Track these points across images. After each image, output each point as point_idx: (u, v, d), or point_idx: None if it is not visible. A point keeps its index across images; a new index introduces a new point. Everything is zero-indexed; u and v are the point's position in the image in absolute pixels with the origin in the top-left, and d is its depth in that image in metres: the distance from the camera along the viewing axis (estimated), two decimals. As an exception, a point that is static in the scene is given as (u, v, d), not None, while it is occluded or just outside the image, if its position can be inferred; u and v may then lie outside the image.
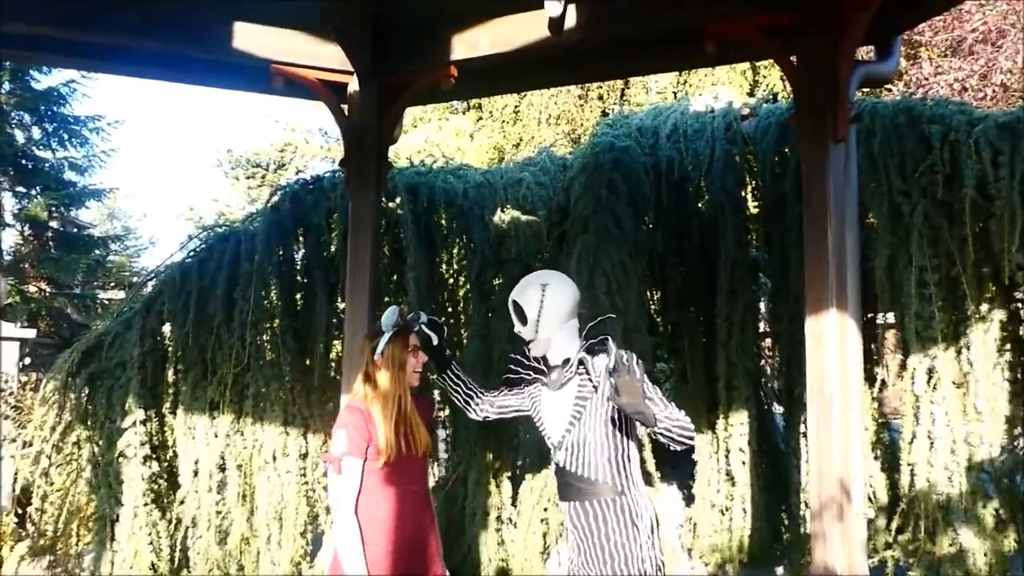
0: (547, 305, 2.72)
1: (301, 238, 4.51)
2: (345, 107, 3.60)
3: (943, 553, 3.10)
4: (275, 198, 4.51)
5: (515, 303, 2.79)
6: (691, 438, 2.59)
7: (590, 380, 2.68)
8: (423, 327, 2.95)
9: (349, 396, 2.95)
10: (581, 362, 2.71)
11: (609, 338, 2.68)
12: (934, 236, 3.25)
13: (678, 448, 2.61)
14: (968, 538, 3.05)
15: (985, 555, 3.02)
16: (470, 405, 3.03)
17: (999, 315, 3.11)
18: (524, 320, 2.75)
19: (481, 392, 3.03)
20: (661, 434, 2.56)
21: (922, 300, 3.16)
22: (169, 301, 4.18)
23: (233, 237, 4.30)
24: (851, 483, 2.62)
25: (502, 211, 4.54)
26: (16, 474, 4.58)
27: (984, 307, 3.11)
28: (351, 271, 3.40)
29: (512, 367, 2.95)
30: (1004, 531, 3.04)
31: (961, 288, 3.11)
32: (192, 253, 4.32)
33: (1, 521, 5.03)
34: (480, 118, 14.99)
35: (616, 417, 2.67)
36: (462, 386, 3.06)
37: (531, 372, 2.88)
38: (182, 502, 4.12)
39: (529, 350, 2.83)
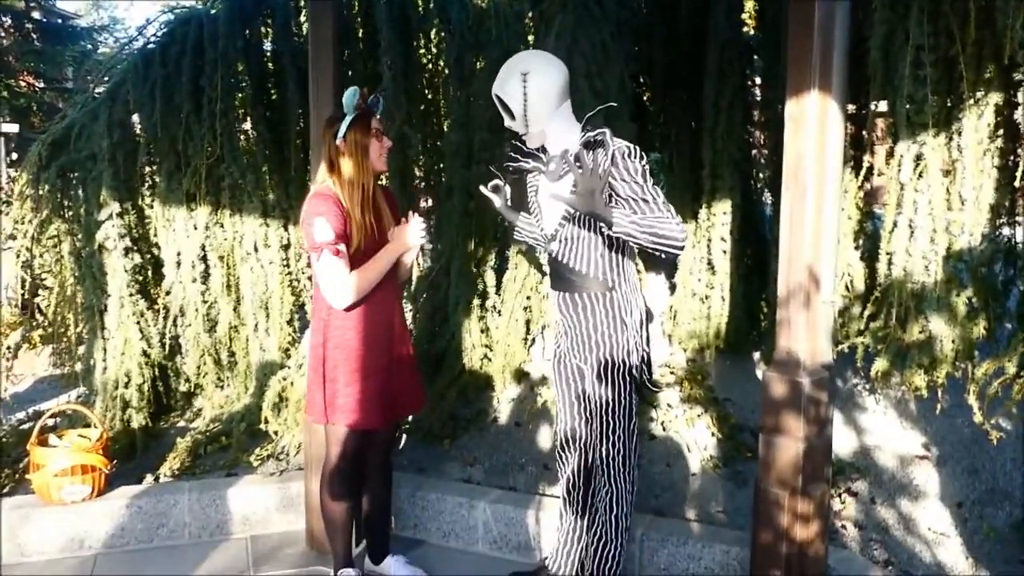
0: (532, 94, 2.53)
1: (268, 20, 4.26)
2: None
3: (912, 340, 3.12)
4: (236, -25, 4.21)
5: (498, 98, 2.62)
6: (673, 247, 2.47)
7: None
8: (488, 192, 2.81)
9: (314, 185, 2.88)
10: (578, 158, 2.53)
11: (608, 131, 2.53)
12: (935, 11, 3.00)
13: (662, 256, 2.54)
14: (938, 325, 3.05)
15: (953, 342, 3.03)
16: (540, 244, 2.88)
17: (994, 98, 2.93)
18: (512, 114, 2.60)
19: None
20: (631, 240, 2.48)
21: (916, 82, 2.97)
22: (134, 90, 4.00)
23: (195, 20, 4.05)
24: (820, 271, 2.58)
25: (481, -12, 4.26)
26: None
27: (980, 91, 2.93)
28: (313, 54, 3.21)
29: (511, 155, 2.83)
30: (975, 319, 3.03)
31: (958, 69, 2.91)
32: (154, 38, 4.10)
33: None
34: None
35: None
36: (534, 229, 2.89)
37: (530, 160, 2.76)
38: (168, 292, 4.18)
39: (525, 142, 2.69)
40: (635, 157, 2.51)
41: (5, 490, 3.54)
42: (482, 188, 2.86)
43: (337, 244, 2.66)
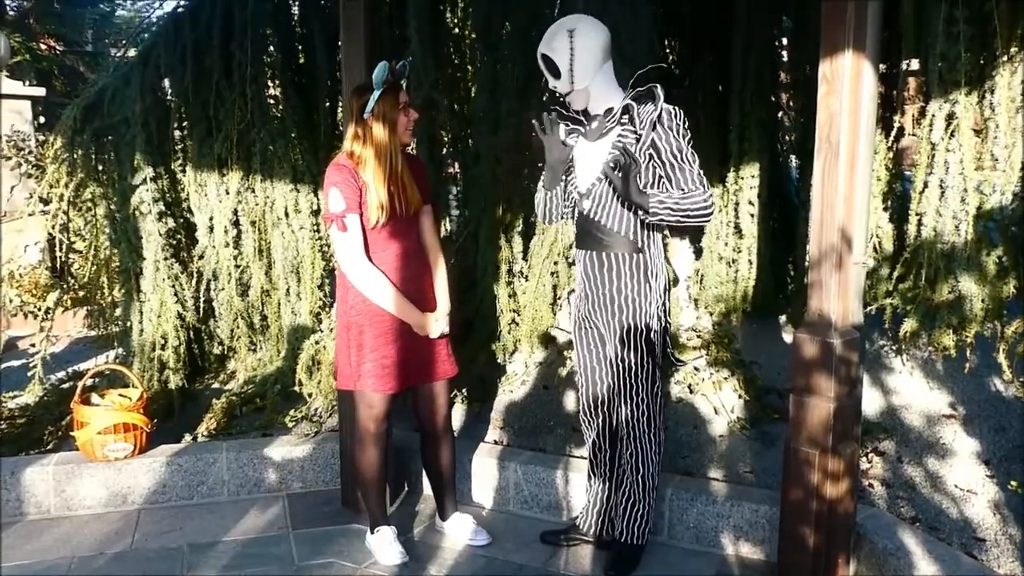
0: (578, 50, 2.58)
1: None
2: None
3: (941, 299, 3.13)
4: (265, -62, 4.22)
5: (544, 56, 2.64)
6: (701, 221, 2.59)
7: (633, 130, 2.60)
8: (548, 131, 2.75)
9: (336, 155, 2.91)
10: (626, 110, 2.61)
11: (658, 86, 2.57)
12: (970, -34, 2.98)
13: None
14: (968, 285, 3.06)
15: (983, 301, 3.04)
16: (555, 216, 2.92)
17: (1030, 55, 2.92)
18: (556, 73, 2.62)
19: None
20: (663, 224, 2.60)
21: (949, 39, 2.95)
22: (165, 54, 4.03)
23: (224, -17, 4.07)
24: (852, 232, 2.59)
25: (509, -50, 4.23)
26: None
27: (1014, 48, 2.91)
28: (344, 19, 3.22)
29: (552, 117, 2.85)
30: (1005, 278, 3.04)
31: (992, 25, 2.89)
32: (183, 2, 4.12)
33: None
34: None
35: (652, 174, 2.64)
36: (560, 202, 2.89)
37: (570, 123, 2.79)
38: (201, 256, 4.24)
39: (569, 104, 2.72)
40: (680, 118, 2.57)
41: (49, 446, 3.65)
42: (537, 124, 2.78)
43: (346, 216, 2.73)
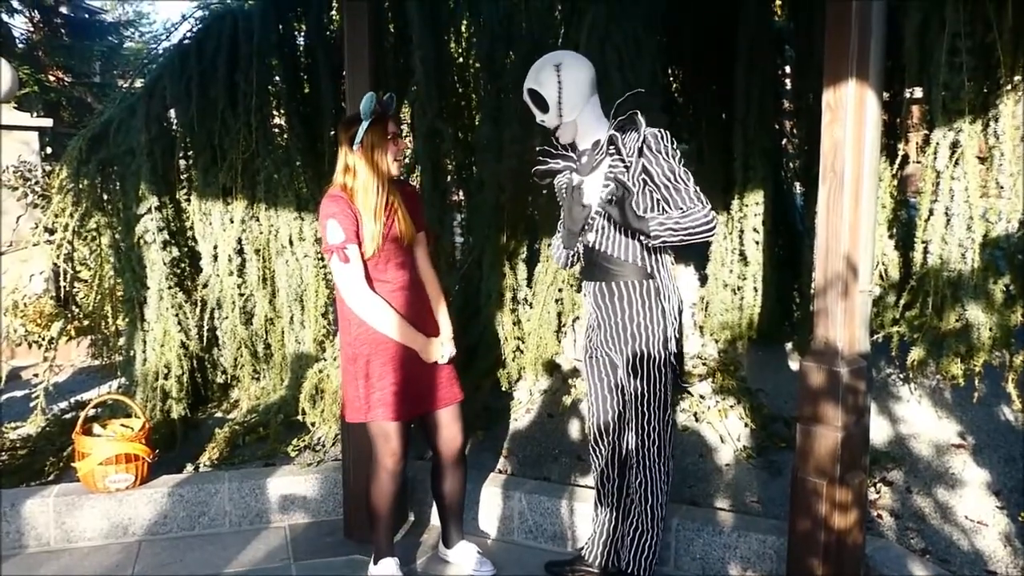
0: (566, 83, 2.60)
1: (302, 16, 4.31)
2: None
3: (948, 328, 3.11)
4: (271, -29, 4.26)
5: (532, 91, 2.66)
6: (705, 237, 2.58)
7: (621, 160, 2.61)
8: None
9: (329, 188, 2.91)
10: (611, 140, 2.63)
11: (637, 113, 2.58)
12: (971, -4, 2.99)
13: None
14: (975, 313, 3.04)
15: (990, 329, 3.02)
16: (575, 262, 2.93)
17: (1033, 84, 2.92)
18: (544, 107, 2.65)
19: None
20: (669, 244, 2.58)
21: (952, 69, 2.96)
22: (170, 85, 4.06)
23: (230, 15, 4.10)
24: (858, 260, 2.58)
25: (511, -18, 4.27)
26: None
27: (1017, 77, 2.91)
28: (349, 50, 3.24)
29: (540, 158, 2.87)
30: (1012, 306, 3.02)
31: (995, 55, 2.89)
32: (189, 34, 4.15)
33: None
34: None
35: (650, 199, 2.64)
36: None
37: (560, 161, 2.81)
38: (205, 285, 4.24)
39: (557, 139, 2.74)
40: (667, 140, 2.58)
41: (50, 477, 3.63)
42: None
43: (346, 247, 2.72)
